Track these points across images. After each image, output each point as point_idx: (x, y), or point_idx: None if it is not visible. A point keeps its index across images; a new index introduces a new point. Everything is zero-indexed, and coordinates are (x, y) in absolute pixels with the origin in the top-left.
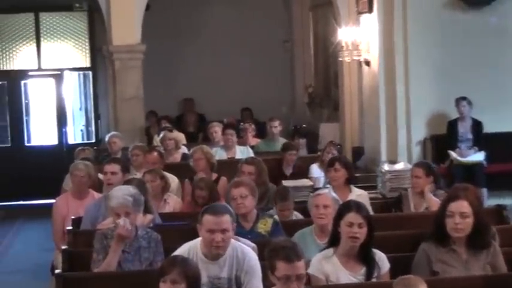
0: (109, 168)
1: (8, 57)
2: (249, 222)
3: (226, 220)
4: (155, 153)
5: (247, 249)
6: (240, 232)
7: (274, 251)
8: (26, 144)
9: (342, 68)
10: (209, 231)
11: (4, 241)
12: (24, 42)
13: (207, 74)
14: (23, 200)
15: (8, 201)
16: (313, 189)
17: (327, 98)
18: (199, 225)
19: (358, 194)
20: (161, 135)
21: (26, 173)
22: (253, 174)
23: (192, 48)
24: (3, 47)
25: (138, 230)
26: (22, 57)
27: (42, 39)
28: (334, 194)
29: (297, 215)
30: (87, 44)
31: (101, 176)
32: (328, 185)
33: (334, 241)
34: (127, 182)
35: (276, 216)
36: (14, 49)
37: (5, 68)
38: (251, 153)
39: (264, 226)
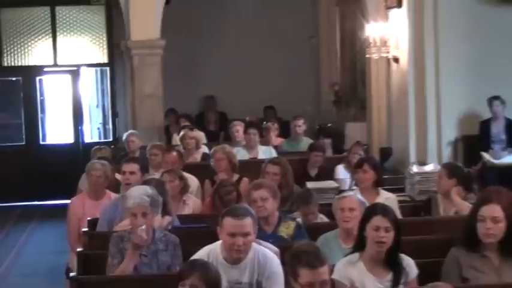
0: (127, 167)
1: (23, 52)
2: (270, 226)
3: (248, 223)
4: (174, 153)
5: (269, 254)
6: (262, 236)
7: (296, 257)
8: (41, 142)
9: (370, 65)
10: (230, 234)
11: (18, 243)
12: (40, 37)
13: (228, 70)
14: (38, 200)
15: (22, 201)
16: (339, 191)
17: (353, 96)
18: (219, 228)
19: (386, 197)
20: (181, 133)
21: (41, 172)
22: (278, 175)
23: (214, 44)
24: (18, 42)
25: (155, 233)
26: (37, 52)
27: (58, 33)
28: (360, 197)
29: (322, 218)
30: (104, 39)
31: (118, 176)
32: (354, 187)
33: (359, 246)
34: (145, 183)
35: (298, 220)
36: (29, 44)
37: (19, 64)
38: (274, 153)
39: (286, 230)
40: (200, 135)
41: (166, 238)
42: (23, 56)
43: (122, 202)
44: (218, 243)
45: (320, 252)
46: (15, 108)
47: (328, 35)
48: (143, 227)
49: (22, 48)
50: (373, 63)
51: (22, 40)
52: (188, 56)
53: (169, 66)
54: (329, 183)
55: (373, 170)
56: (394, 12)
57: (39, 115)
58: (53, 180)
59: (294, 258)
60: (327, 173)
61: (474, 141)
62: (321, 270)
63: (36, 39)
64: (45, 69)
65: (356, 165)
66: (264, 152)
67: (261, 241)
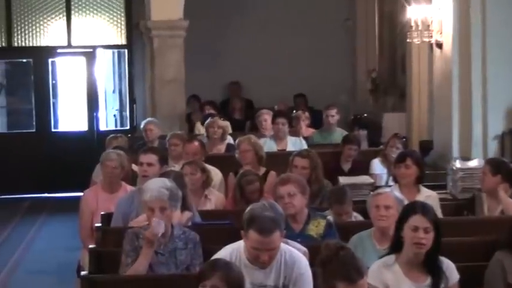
0: (145, 158)
1: (34, 32)
2: (298, 224)
3: (276, 238)
4: (196, 143)
5: (297, 255)
6: (289, 235)
7: (333, 270)
8: (53, 129)
9: (411, 51)
10: (255, 248)
11: (27, 237)
12: (53, 16)
13: (256, 55)
14: (48, 192)
15: (32, 193)
16: (374, 187)
17: (392, 84)
18: (243, 233)
19: (427, 195)
20: (208, 121)
21: (52, 162)
22: (306, 169)
23: (240, 26)
24: (30, 21)
25: (174, 229)
26: (50, 32)
27: (73, 12)
28: (397, 194)
29: (356, 216)
30: (122, 19)
31: (135, 167)
32: (391, 183)
33: (396, 247)
34: (164, 175)
35: (329, 217)
36: (41, 23)
37: (31, 44)
38: (304, 145)
39: (316, 228)
40: (227, 125)
41: (185, 235)
42: (34, 36)
43: (138, 195)
44: (242, 242)
45: (359, 262)
46: (25, 93)
47: (365, 18)
48: (158, 219)
49: (34, 27)
50: (414, 48)
51: (34, 19)
52: (212, 39)
53: (192, 49)
54: (364, 179)
55: (416, 165)
56: None
57: (51, 100)
58: (64, 170)
59: (330, 269)
60: (362, 167)
61: None
62: (360, 283)
63: (49, 18)
64: (58, 50)
65: (398, 159)
66: (294, 144)
67: (289, 240)
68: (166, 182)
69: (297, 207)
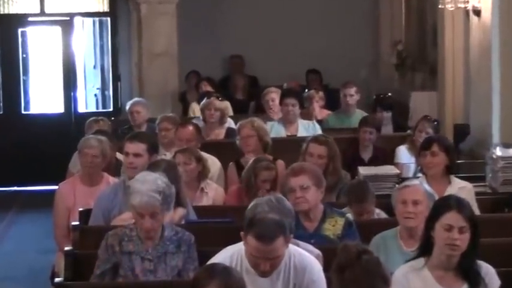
0: (131, 148)
1: None
2: (312, 222)
3: (278, 247)
4: (191, 127)
5: (308, 259)
6: (301, 235)
7: (353, 278)
8: (23, 112)
9: (443, 19)
10: (254, 256)
11: None
12: None
13: (262, 23)
14: (17, 185)
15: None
16: (400, 179)
17: (421, 58)
18: (243, 235)
19: (460, 187)
20: (204, 102)
21: (22, 149)
22: (324, 158)
23: None
24: None
25: (164, 230)
26: None
27: None
28: (427, 187)
29: (378, 214)
30: None
31: (119, 155)
32: (420, 174)
33: (425, 249)
34: (152, 166)
35: (349, 215)
36: None
37: None
38: (318, 130)
39: (333, 227)
40: (227, 106)
41: (178, 237)
42: (1, 2)
43: (122, 188)
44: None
45: (384, 270)
46: None
47: None
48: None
49: None
50: (447, 16)
51: None
52: (210, 4)
53: (186, 17)
54: (387, 169)
55: (444, 152)
56: None
57: (21, 77)
58: (37, 159)
59: (348, 275)
60: (385, 155)
61: None
62: None
63: None
64: (30, 18)
65: (423, 146)
66: (305, 128)
67: (300, 242)
68: (159, 181)
69: (311, 202)
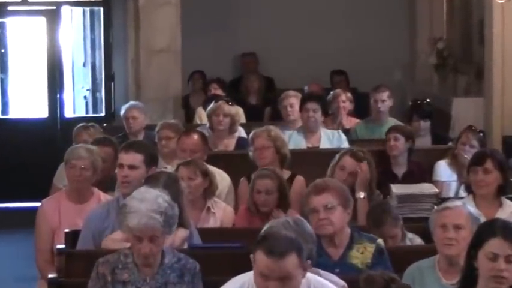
0: (126, 158)
1: None
2: (337, 248)
3: (290, 265)
4: (195, 136)
5: None
6: (324, 263)
7: None
8: (0, 116)
9: (491, 13)
10: (262, 276)
11: None
12: None
13: (279, 17)
14: None
15: None
16: (440, 199)
17: (465, 58)
18: (252, 256)
19: None
20: (211, 106)
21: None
22: (356, 177)
23: None
24: None
25: (165, 256)
26: None
27: None
28: (472, 209)
29: (412, 239)
30: None
31: None
32: (463, 194)
33: (468, 281)
34: (151, 179)
35: (380, 241)
36: None
37: None
38: (344, 142)
39: (361, 255)
40: (238, 112)
41: (181, 264)
42: None
43: (116, 207)
44: None
45: None
46: None
47: None
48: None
49: None
50: (496, 9)
51: None
52: None
53: (192, 9)
54: (425, 188)
55: (498, 169)
56: None
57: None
58: (16, 172)
59: None
60: (422, 171)
61: None
62: None
63: None
64: (9, 7)
65: (474, 161)
66: (329, 139)
67: (321, 271)
68: (160, 199)
69: (336, 225)
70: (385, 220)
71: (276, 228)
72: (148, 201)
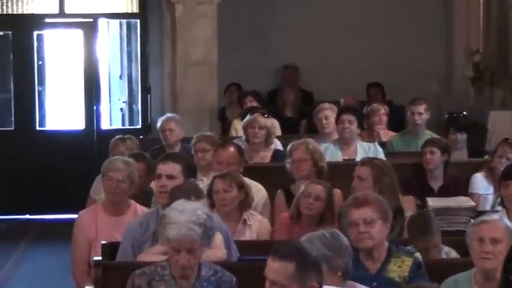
0: (164, 168)
1: None
2: (375, 262)
3: (282, 271)
4: (232, 149)
5: None
6: (361, 276)
7: None
8: (38, 128)
9: None
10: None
11: (1, 272)
12: None
13: (317, 29)
14: (30, 214)
15: (8, 214)
16: (476, 212)
17: (502, 71)
18: None
19: None
20: (247, 119)
21: (36, 171)
22: (364, 181)
23: None
24: None
25: (201, 269)
26: None
27: None
28: (509, 222)
29: (448, 253)
30: None
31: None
32: (499, 208)
33: None
34: (176, 190)
35: (418, 254)
36: None
37: (9, 12)
38: (380, 153)
39: (399, 268)
40: (274, 124)
41: (217, 277)
42: (14, 0)
43: (156, 218)
44: None
45: None
46: (1, 76)
47: None
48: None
49: None
50: None
51: None
52: (258, 6)
53: (229, 20)
54: (461, 201)
55: None
56: None
57: (36, 87)
58: (53, 184)
59: None
60: (458, 184)
61: None
62: None
63: None
64: (47, 20)
65: (505, 174)
66: (365, 151)
67: (359, 285)
68: (198, 211)
69: (376, 239)
70: (431, 229)
71: (310, 241)
72: (187, 213)
